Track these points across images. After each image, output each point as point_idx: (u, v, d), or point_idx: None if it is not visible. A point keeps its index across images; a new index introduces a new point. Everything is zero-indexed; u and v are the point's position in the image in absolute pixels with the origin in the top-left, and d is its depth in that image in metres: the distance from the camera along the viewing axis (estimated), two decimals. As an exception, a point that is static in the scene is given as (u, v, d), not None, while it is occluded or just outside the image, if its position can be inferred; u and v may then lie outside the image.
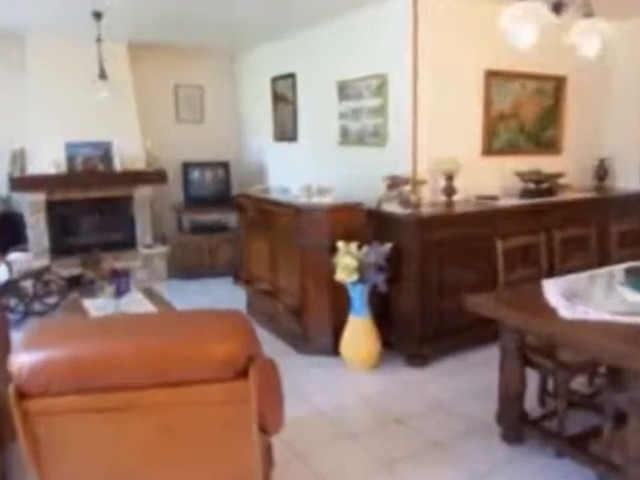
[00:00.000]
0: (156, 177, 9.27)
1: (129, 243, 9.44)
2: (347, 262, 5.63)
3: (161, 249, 9.50)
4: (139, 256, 9.27)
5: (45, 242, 8.81)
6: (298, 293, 6.26)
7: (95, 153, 8.90)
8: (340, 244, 5.75)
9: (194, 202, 9.96)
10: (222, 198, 9.91)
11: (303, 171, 8.66)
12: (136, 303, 5.62)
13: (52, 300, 7.73)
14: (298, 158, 9.04)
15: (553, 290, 4.29)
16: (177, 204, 10.06)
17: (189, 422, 2.76)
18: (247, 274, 7.48)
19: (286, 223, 6.33)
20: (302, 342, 6.32)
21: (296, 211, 6.15)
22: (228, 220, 9.80)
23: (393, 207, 6.16)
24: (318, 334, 6.23)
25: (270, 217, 6.67)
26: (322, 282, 6.06)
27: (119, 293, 5.64)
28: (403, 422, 4.84)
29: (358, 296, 5.81)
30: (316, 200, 6.27)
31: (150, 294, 5.99)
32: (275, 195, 7.18)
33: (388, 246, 5.78)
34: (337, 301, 6.04)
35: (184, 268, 9.52)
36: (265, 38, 9.17)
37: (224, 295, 8.36)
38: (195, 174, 9.99)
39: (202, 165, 10.04)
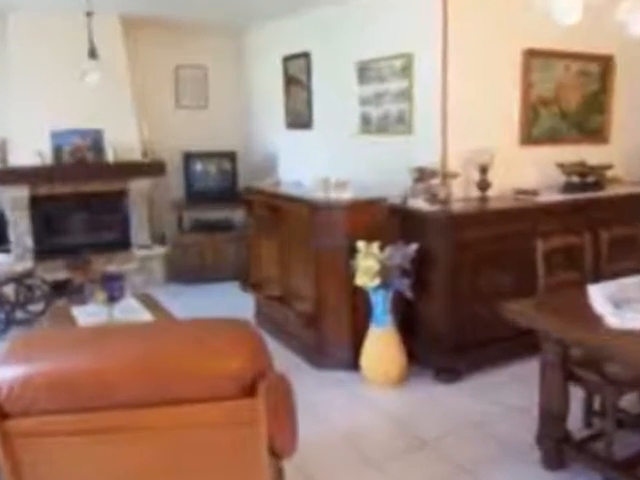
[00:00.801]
0: (153, 169, 9.29)
1: (123, 243, 9.47)
2: (369, 265, 5.64)
3: (159, 250, 9.54)
4: (134, 258, 9.30)
5: (28, 242, 8.83)
6: (313, 300, 6.27)
7: (84, 142, 8.93)
8: (361, 244, 5.75)
9: (196, 197, 10.00)
10: (228, 193, 9.95)
11: (319, 162, 8.69)
12: (131, 311, 5.66)
13: (36, 307, 7.77)
14: (313, 148, 9.06)
15: (599, 296, 4.29)
16: (177, 200, 10.10)
17: (191, 445, 2.77)
18: (256, 278, 7.50)
19: (300, 221, 6.34)
20: (317, 355, 6.33)
21: (311, 207, 6.17)
22: (234, 218, 9.81)
23: (420, 203, 6.16)
24: (335, 346, 6.25)
25: (282, 214, 6.69)
26: (340, 287, 6.08)
27: (112, 300, 5.65)
28: (431, 445, 4.85)
29: (380, 303, 5.82)
30: (333, 195, 6.27)
31: (147, 301, 6.02)
32: (287, 190, 7.21)
33: (414, 247, 5.78)
34: (357, 309, 6.06)
35: (185, 272, 9.56)
36: (276, 13, 9.17)
37: (230, 302, 8.36)
38: (197, 166, 10.04)
39: (205, 156, 10.09)
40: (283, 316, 6.89)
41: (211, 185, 10.07)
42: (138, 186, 9.34)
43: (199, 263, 9.54)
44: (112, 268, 8.27)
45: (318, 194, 6.36)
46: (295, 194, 6.77)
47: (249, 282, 7.68)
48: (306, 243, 6.26)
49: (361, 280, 5.72)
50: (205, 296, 8.83)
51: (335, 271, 6.06)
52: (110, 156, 8.99)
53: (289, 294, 6.78)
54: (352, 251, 5.81)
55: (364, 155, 7.76)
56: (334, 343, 6.24)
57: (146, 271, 9.31)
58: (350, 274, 5.83)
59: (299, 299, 6.56)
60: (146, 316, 5.52)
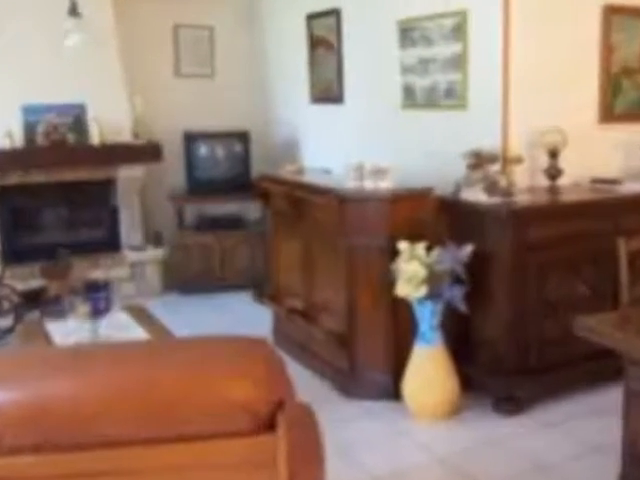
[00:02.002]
0: (148, 153, 9.32)
1: (110, 244, 9.53)
2: (413, 270, 5.64)
3: (154, 253, 9.60)
4: (124, 262, 9.36)
5: (-5, 243, 8.92)
6: (344, 313, 6.29)
7: (63, 120, 8.98)
8: (403, 245, 5.76)
9: (200, 188, 10.01)
10: (239, 182, 9.93)
11: (351, 144, 8.70)
12: (120, 327, 5.71)
13: (4, 323, 7.80)
14: (344, 127, 9.06)
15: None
16: (177, 191, 10.12)
17: (194, 490, 2.79)
18: (273, 287, 7.53)
19: (328, 217, 6.36)
20: (350, 381, 6.35)
21: (342, 200, 6.17)
22: (247, 213, 9.86)
23: (476, 194, 6.16)
24: (371, 370, 6.26)
25: (306, 209, 6.72)
26: (377, 298, 6.09)
27: (96, 313, 5.69)
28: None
29: (427, 317, 5.82)
30: (369, 185, 6.27)
31: (139, 315, 6.07)
32: (313, 178, 7.23)
33: (469, 248, 5.78)
34: (398, 324, 6.08)
35: (186, 279, 9.61)
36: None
37: (241, 316, 8.41)
38: (202, 149, 10.05)
39: (211, 136, 10.12)
40: (307, 333, 6.91)
41: (218, 172, 10.07)
42: (129, 174, 9.38)
43: (203, 268, 9.58)
44: (97, 274, 8.31)
45: (350, 183, 6.36)
46: (322, 183, 6.80)
47: (265, 292, 7.71)
48: (335, 244, 6.29)
49: (403, 289, 5.72)
50: (211, 309, 8.88)
51: (371, 278, 6.08)
52: (95, 137, 9.02)
53: (314, 307, 6.80)
54: (392, 253, 5.82)
55: (406, 136, 7.75)
56: (370, 366, 6.25)
57: (139, 278, 9.36)
58: (390, 282, 5.84)
59: (327, 313, 6.58)
60: (138, 334, 5.56)
